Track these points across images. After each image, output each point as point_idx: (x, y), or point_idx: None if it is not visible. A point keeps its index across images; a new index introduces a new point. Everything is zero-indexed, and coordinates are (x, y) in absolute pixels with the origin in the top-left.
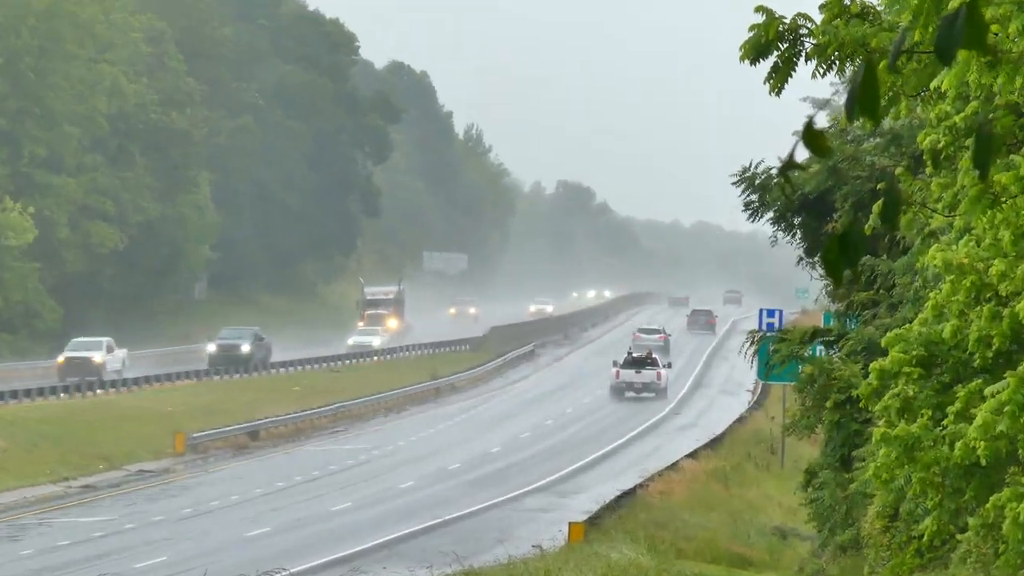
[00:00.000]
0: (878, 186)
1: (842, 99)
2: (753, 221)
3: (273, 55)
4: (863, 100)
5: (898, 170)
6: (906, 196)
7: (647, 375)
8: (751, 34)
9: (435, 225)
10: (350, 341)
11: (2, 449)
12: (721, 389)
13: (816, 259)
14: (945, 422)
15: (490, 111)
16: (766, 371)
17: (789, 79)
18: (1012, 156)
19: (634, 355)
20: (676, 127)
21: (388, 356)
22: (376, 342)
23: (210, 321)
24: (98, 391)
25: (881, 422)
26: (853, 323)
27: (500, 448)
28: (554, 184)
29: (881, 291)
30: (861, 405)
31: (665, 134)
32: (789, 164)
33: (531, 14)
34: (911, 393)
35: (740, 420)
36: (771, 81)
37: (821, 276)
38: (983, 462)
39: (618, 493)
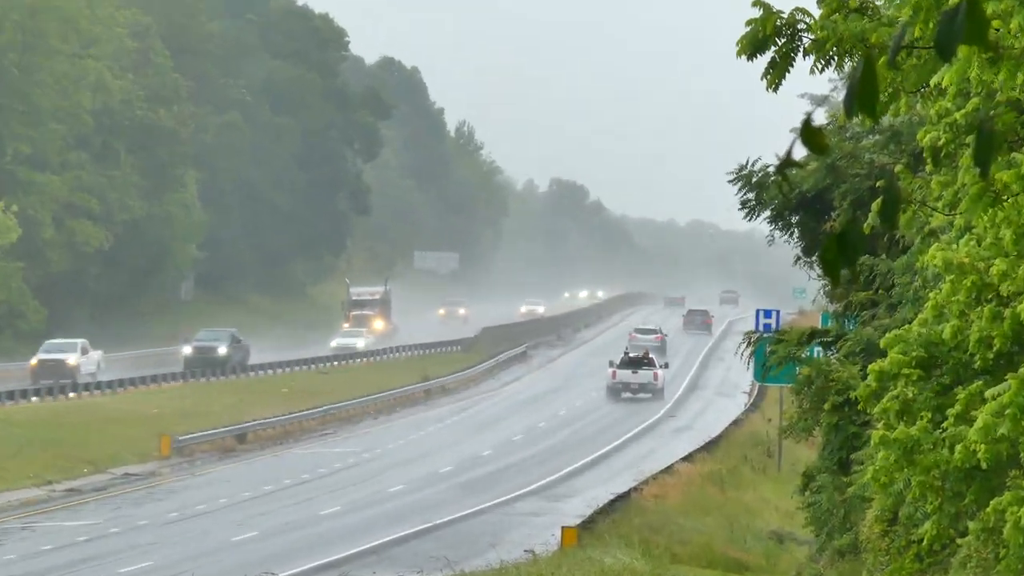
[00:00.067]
0: (877, 184)
1: (841, 95)
2: (750, 220)
3: (261, 50)
4: (862, 96)
5: (898, 168)
6: (906, 194)
7: (644, 375)
8: (748, 29)
9: (426, 224)
10: (333, 343)
11: None
12: (717, 391)
13: (814, 258)
14: (945, 424)
15: (483, 109)
16: (763, 373)
17: (787, 75)
18: (1013, 154)
19: (631, 355)
20: (672, 124)
21: (378, 357)
22: (360, 344)
23: (197, 321)
24: (71, 394)
25: (880, 424)
26: (851, 324)
27: (492, 451)
28: (547, 182)
29: (880, 291)
30: (859, 407)
31: (661, 131)
32: (787, 162)
33: (526, 13)
34: (910, 395)
35: (736, 422)
36: (768, 77)
37: (819, 276)
38: (984, 465)
39: (612, 497)
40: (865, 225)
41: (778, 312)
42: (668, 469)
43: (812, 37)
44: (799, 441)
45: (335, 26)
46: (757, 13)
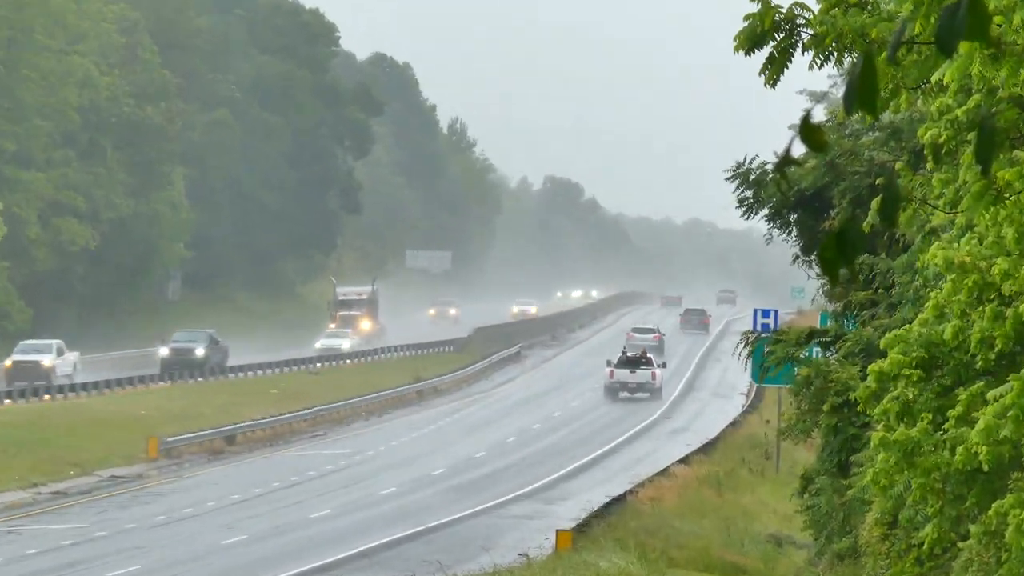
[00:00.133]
0: (877, 182)
1: (840, 92)
2: (748, 218)
3: (250, 46)
4: (862, 93)
5: (898, 165)
6: (906, 192)
7: (642, 375)
8: (746, 24)
9: (418, 222)
10: (318, 344)
11: None
12: (714, 392)
13: (813, 257)
14: (946, 426)
15: (476, 105)
16: (761, 373)
17: (785, 71)
18: (1016, 151)
19: (628, 355)
20: (668, 121)
21: (369, 358)
22: (346, 345)
23: (184, 322)
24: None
25: (880, 426)
26: (851, 324)
27: (485, 453)
28: (541, 180)
29: (880, 291)
30: (859, 409)
31: (657, 129)
32: (785, 159)
33: (521, 8)
34: (911, 396)
35: (734, 424)
36: (766, 73)
37: (818, 275)
38: (985, 467)
39: (607, 499)
40: (865, 223)
41: (776, 312)
42: (664, 471)
43: (811, 32)
44: (798, 443)
45: (325, 21)
46: (755, 7)
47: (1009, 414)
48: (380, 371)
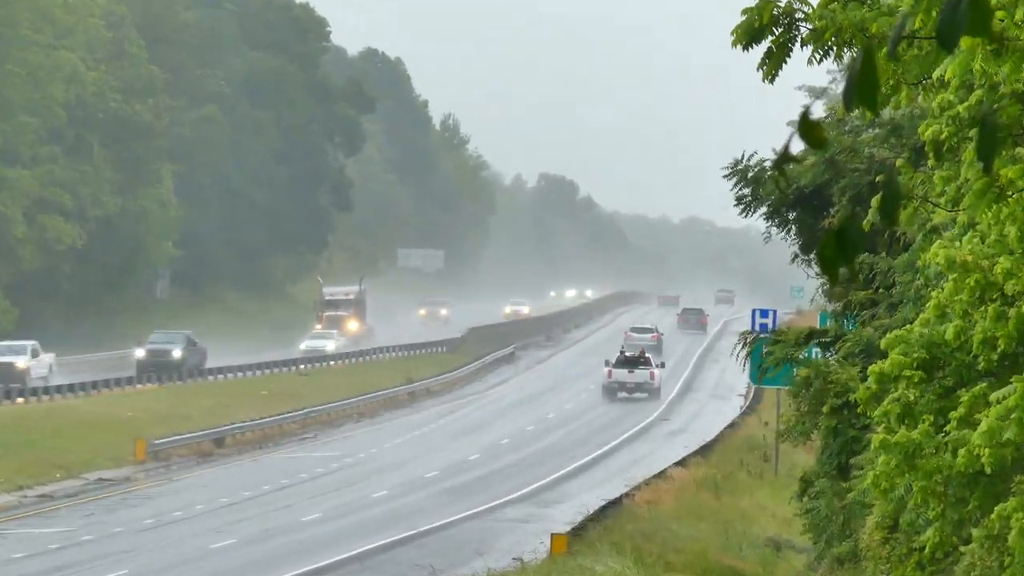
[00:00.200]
0: (877, 179)
1: (840, 87)
2: (746, 216)
3: (240, 41)
4: (862, 88)
5: (898, 162)
6: (906, 190)
7: (640, 375)
8: (744, 18)
9: (410, 220)
10: (302, 345)
11: None
12: (712, 393)
13: (812, 256)
14: (948, 428)
15: (469, 101)
16: (759, 374)
17: (784, 66)
18: (1018, 148)
19: (627, 354)
20: (665, 118)
21: (361, 359)
22: (331, 346)
23: (172, 322)
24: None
25: (880, 428)
26: (851, 324)
27: (479, 455)
28: (535, 177)
29: (880, 290)
30: (859, 410)
31: (654, 126)
32: (784, 156)
33: (515, 3)
34: (912, 398)
35: (732, 426)
36: (765, 68)
37: (817, 274)
38: (988, 470)
39: (603, 503)
40: (865, 222)
41: (775, 312)
42: (661, 474)
43: (810, 27)
44: (797, 445)
45: (316, 15)
46: (753, 1)
47: (1012, 416)
48: (372, 372)
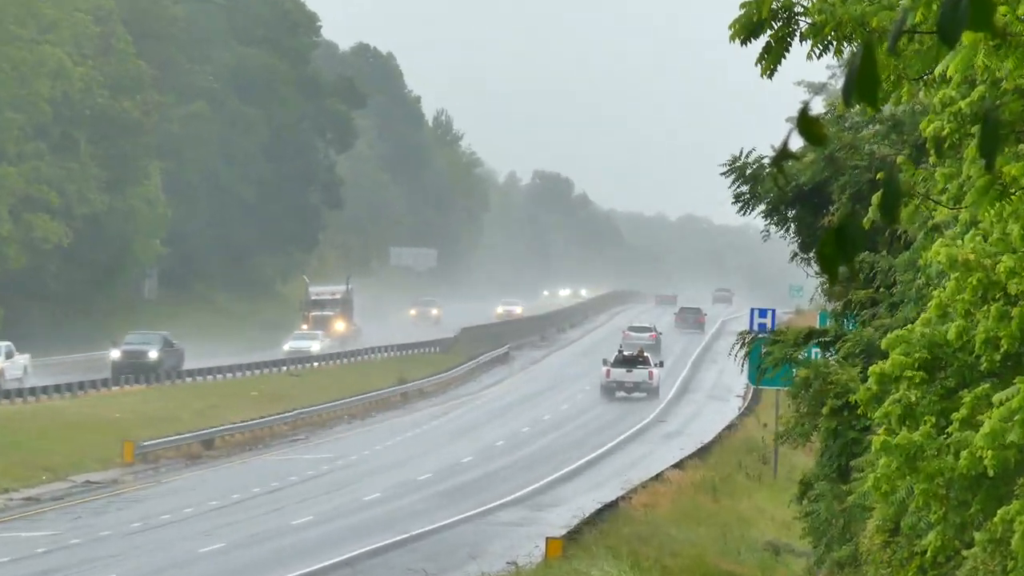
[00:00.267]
0: (878, 176)
1: (839, 83)
2: (744, 214)
3: (229, 36)
4: (862, 84)
5: (899, 159)
6: (907, 187)
7: (638, 374)
8: (742, 11)
9: (403, 218)
10: (286, 346)
11: None
12: (709, 394)
13: (811, 255)
14: (950, 430)
15: (462, 96)
16: (758, 375)
17: (782, 61)
18: (1021, 145)
19: (625, 354)
20: (661, 113)
21: (352, 359)
22: (316, 347)
23: (159, 322)
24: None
25: (881, 430)
26: (851, 324)
27: (473, 457)
28: (530, 174)
29: (881, 289)
30: (860, 412)
31: (649, 121)
32: (783, 153)
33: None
34: (913, 399)
35: (730, 427)
36: (763, 63)
37: (817, 273)
38: (990, 473)
39: (599, 506)
40: (865, 220)
41: (774, 311)
42: (658, 476)
43: (809, 21)
44: (796, 447)
45: (306, 10)
46: None
47: (1016, 418)
48: (363, 372)
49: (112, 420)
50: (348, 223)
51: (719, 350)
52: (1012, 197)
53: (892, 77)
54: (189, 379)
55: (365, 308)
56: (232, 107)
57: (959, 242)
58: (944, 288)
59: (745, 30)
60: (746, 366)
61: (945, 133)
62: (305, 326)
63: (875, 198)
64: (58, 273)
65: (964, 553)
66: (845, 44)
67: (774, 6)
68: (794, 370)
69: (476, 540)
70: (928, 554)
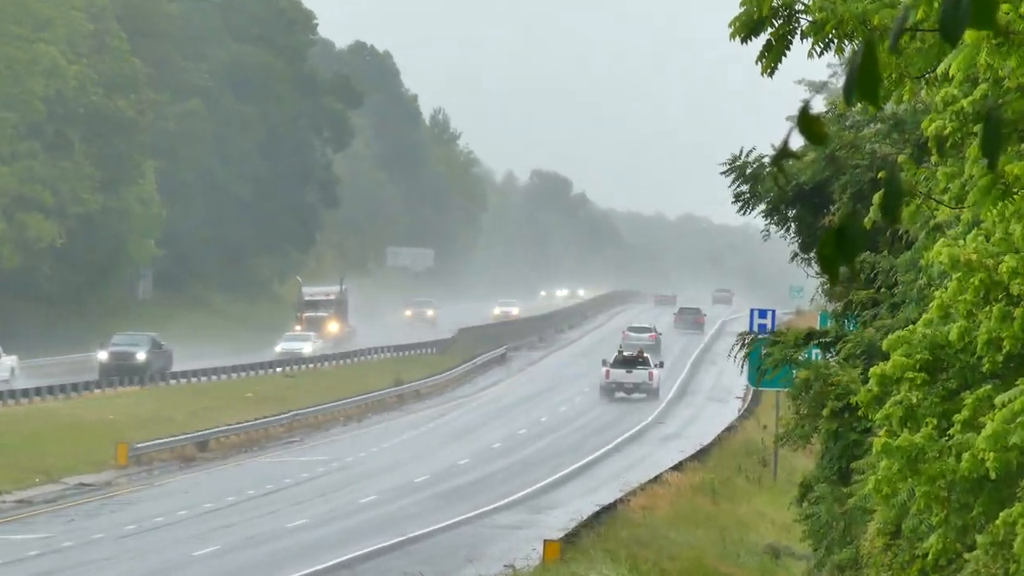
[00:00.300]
0: (879, 176)
1: (840, 81)
2: (744, 214)
3: (224, 34)
4: (863, 83)
5: (901, 158)
6: (909, 187)
7: (638, 375)
8: (742, 9)
9: (400, 218)
10: (278, 348)
11: None
12: (709, 396)
13: (812, 255)
14: (951, 431)
15: (459, 95)
16: (758, 376)
17: (783, 59)
18: None
19: (625, 354)
20: (661, 113)
21: (348, 360)
22: (308, 349)
23: (154, 323)
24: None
25: (882, 432)
26: (852, 324)
27: (470, 460)
28: (528, 174)
29: (882, 290)
30: (860, 413)
31: (648, 120)
32: (783, 152)
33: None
34: (914, 400)
35: (729, 429)
36: (763, 61)
37: (817, 273)
38: (993, 475)
39: (597, 508)
40: (866, 219)
41: (774, 312)
42: (657, 479)
43: (810, 18)
44: (796, 449)
45: (302, 8)
46: None
47: (1018, 419)
48: (359, 374)
49: (105, 422)
50: (345, 223)
51: (719, 351)
52: (1015, 197)
53: (894, 75)
54: (183, 380)
55: (360, 309)
56: (228, 105)
57: (961, 242)
58: (946, 289)
59: (745, 28)
60: (746, 367)
61: (947, 132)
62: (299, 327)
63: (876, 198)
64: (51, 273)
65: (966, 556)
66: (846, 42)
67: (775, 4)
68: (794, 371)
69: (473, 543)
70: (929, 557)
